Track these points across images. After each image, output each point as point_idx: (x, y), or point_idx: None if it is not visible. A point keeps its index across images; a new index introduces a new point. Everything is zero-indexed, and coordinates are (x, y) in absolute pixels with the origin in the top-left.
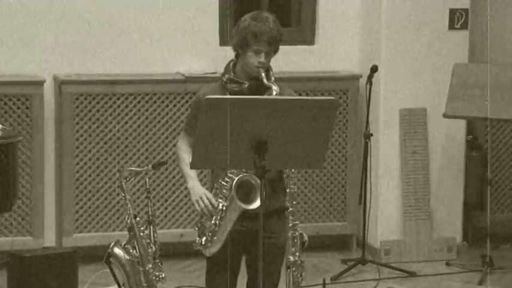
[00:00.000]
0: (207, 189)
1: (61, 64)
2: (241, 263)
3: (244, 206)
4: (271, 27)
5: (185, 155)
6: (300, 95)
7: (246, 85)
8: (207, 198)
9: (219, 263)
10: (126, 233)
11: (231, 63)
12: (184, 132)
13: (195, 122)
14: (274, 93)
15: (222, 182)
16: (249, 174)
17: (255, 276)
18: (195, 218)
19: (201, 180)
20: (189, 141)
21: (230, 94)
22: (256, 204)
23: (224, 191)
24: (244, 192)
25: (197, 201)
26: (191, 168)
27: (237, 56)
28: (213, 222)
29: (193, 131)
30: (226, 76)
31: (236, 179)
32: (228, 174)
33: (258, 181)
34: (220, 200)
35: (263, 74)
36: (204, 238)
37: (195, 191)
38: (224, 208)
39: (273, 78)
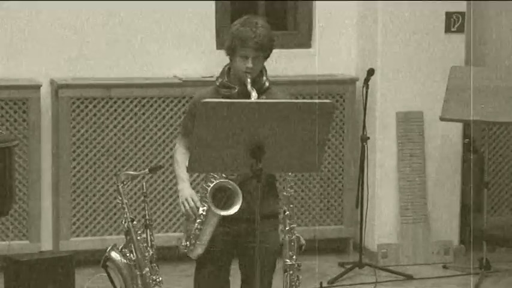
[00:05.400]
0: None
1: (58, 68)
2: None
3: (219, 211)
4: (258, 32)
5: (179, 157)
6: (296, 98)
7: (236, 90)
8: (192, 201)
9: (207, 266)
10: (123, 236)
11: (226, 67)
12: (181, 135)
13: (191, 125)
14: (252, 99)
15: (206, 187)
16: (225, 179)
17: (247, 280)
18: None
19: (196, 184)
20: (186, 143)
21: (222, 98)
22: (234, 210)
23: (207, 194)
24: (225, 198)
25: (183, 203)
26: (188, 172)
27: (230, 60)
28: (195, 226)
29: (189, 134)
30: (219, 80)
31: (212, 184)
32: (211, 179)
33: (236, 186)
34: (204, 204)
35: (248, 80)
36: (189, 241)
37: (183, 192)
38: (204, 213)
39: (267, 84)
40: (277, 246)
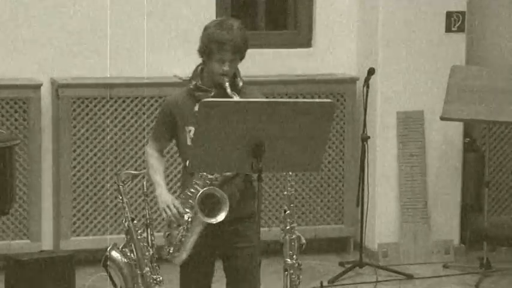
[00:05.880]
0: (177, 197)
1: (58, 67)
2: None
3: (207, 220)
4: (235, 35)
5: (154, 162)
6: (296, 97)
7: (212, 93)
8: (175, 207)
9: (191, 269)
10: (124, 236)
11: (199, 68)
12: (152, 139)
13: (164, 128)
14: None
15: (188, 193)
16: (213, 187)
17: (233, 281)
18: None
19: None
20: (158, 147)
21: (197, 101)
22: (221, 217)
23: (190, 201)
24: (210, 205)
25: (164, 209)
26: (189, 171)
27: (204, 62)
28: (179, 232)
29: (161, 137)
30: (194, 83)
31: (200, 192)
32: (194, 185)
33: (223, 194)
34: (187, 210)
35: (227, 84)
36: (172, 248)
37: (162, 198)
38: (190, 219)
39: (241, 84)
40: (259, 244)
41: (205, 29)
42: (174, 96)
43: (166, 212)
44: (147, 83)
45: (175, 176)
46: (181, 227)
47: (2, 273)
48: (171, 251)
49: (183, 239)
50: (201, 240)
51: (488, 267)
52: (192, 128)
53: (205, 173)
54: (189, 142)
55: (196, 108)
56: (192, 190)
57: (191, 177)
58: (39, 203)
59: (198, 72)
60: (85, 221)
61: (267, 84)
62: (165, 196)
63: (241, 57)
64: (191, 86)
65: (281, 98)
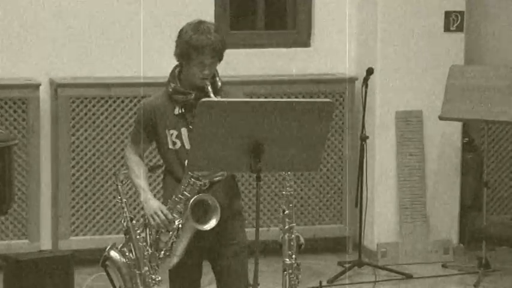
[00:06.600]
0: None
1: (57, 67)
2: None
3: (198, 226)
4: (213, 39)
5: (135, 166)
6: (296, 97)
7: (193, 96)
8: (162, 213)
9: (180, 271)
10: (123, 236)
11: (176, 70)
12: (132, 142)
13: (143, 132)
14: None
15: (176, 199)
16: (205, 194)
17: (223, 280)
18: None
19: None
20: (138, 151)
21: (177, 104)
22: (211, 224)
23: (178, 206)
24: (200, 211)
25: (152, 215)
26: (188, 170)
27: (181, 64)
28: (169, 238)
29: (139, 142)
30: (172, 85)
31: (193, 198)
32: (182, 191)
33: (215, 200)
34: (176, 216)
35: (209, 88)
36: (162, 252)
37: (149, 204)
38: (180, 226)
39: (219, 84)
40: (245, 242)
41: (182, 33)
42: (151, 100)
43: (154, 219)
44: (145, 83)
45: (154, 180)
46: (171, 233)
47: (0, 273)
48: (161, 256)
49: (174, 245)
50: (188, 243)
51: (487, 266)
52: (174, 131)
53: (193, 179)
54: (170, 145)
55: (176, 111)
56: (181, 196)
57: (177, 182)
58: (38, 203)
59: (176, 75)
60: (84, 221)
61: (266, 83)
62: (151, 202)
63: (220, 59)
64: (170, 89)
65: (280, 97)
